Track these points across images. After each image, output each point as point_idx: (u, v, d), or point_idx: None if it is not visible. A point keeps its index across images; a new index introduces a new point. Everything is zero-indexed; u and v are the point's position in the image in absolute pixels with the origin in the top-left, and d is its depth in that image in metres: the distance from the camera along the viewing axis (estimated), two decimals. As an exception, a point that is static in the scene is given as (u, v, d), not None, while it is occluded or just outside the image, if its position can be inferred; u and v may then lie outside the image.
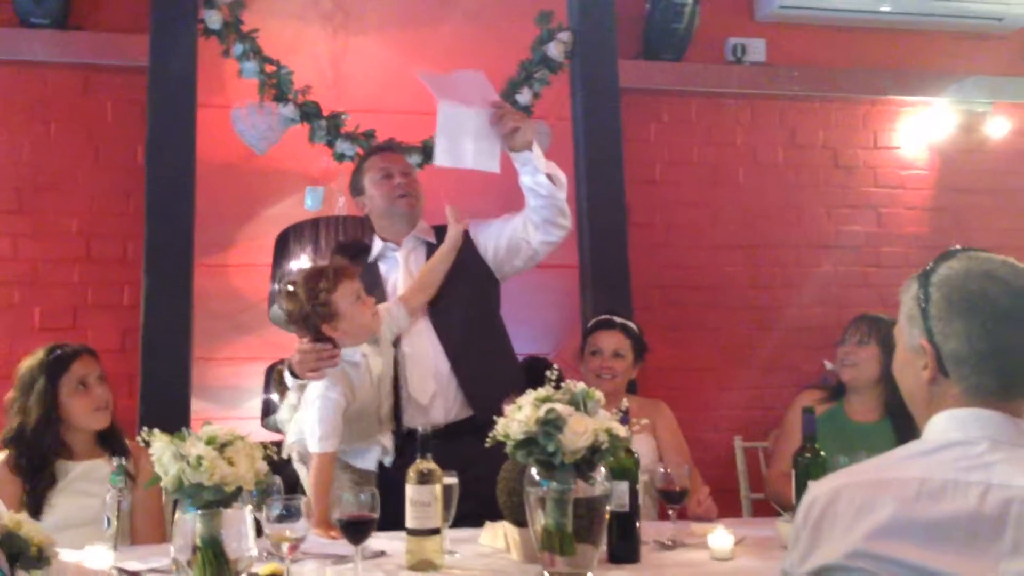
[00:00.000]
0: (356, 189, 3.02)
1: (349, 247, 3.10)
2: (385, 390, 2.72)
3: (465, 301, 2.88)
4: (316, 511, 2.37)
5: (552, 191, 2.81)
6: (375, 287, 2.85)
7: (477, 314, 2.91)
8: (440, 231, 2.96)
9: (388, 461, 2.71)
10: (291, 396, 2.74)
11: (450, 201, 2.94)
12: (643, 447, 2.89)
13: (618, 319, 3.28)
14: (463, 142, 2.78)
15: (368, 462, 2.70)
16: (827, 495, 1.33)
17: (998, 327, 1.34)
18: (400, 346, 2.79)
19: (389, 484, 2.40)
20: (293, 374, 2.63)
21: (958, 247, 1.43)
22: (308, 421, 2.55)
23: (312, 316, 2.52)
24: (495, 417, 2.01)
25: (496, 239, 2.95)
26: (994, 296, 1.35)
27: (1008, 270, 1.37)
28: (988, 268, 1.37)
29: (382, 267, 2.96)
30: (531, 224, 2.89)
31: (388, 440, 2.72)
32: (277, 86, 3.71)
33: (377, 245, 2.99)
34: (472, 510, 2.35)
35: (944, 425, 1.35)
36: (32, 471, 2.63)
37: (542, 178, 2.80)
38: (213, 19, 3.69)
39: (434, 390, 2.78)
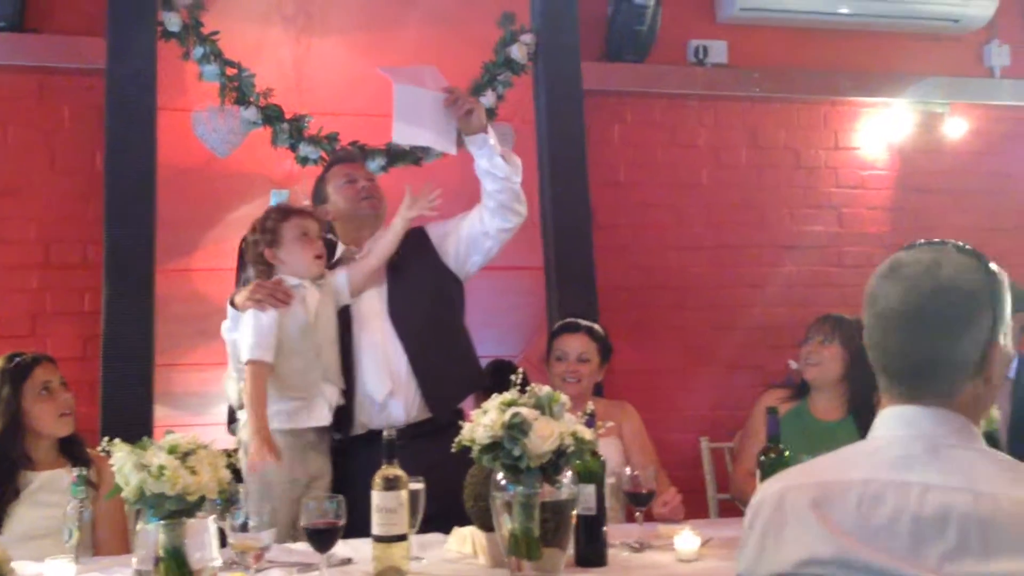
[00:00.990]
0: (319, 197, 3.06)
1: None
2: (327, 337, 2.77)
3: (426, 302, 2.92)
4: (253, 424, 2.50)
5: (508, 173, 2.88)
6: None
7: (438, 315, 2.94)
8: (407, 235, 2.97)
9: (327, 418, 2.72)
10: (231, 369, 2.79)
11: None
12: (609, 450, 2.89)
13: (583, 322, 3.28)
14: (420, 121, 2.88)
15: (310, 419, 2.70)
16: (773, 497, 1.31)
17: (879, 329, 1.33)
18: (353, 316, 2.86)
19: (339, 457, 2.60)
20: (234, 306, 2.70)
21: (924, 240, 1.38)
22: (242, 335, 2.65)
23: (260, 241, 2.75)
24: (456, 419, 2.01)
25: (455, 236, 3.00)
26: (880, 295, 1.33)
27: (923, 268, 1.31)
28: (901, 263, 1.33)
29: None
30: (487, 212, 2.94)
31: (333, 393, 2.76)
32: (238, 89, 3.67)
33: (339, 249, 3.00)
34: (436, 512, 2.34)
35: (885, 422, 1.33)
36: None
37: (498, 160, 2.87)
38: (172, 21, 3.65)
39: (390, 388, 2.81)
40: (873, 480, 1.25)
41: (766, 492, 1.33)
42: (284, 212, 2.81)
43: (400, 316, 2.88)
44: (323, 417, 2.73)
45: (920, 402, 1.30)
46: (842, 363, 3.17)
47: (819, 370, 3.22)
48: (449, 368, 2.91)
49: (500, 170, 2.87)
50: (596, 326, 3.29)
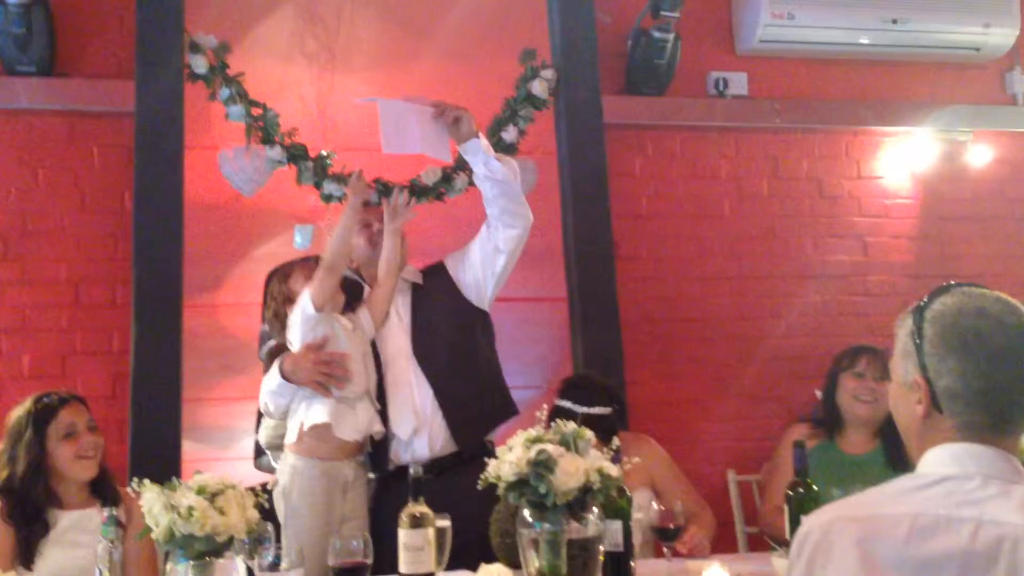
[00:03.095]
0: None
1: (346, 283, 3.15)
2: (364, 351, 2.86)
3: (449, 335, 2.96)
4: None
5: (506, 175, 2.91)
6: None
7: (462, 347, 2.97)
8: (427, 271, 3.05)
9: (360, 433, 2.77)
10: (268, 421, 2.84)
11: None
12: (643, 499, 2.83)
13: (579, 408, 2.95)
14: (407, 131, 2.93)
15: (346, 428, 2.74)
16: (820, 529, 1.32)
17: (991, 366, 1.34)
18: (380, 358, 2.93)
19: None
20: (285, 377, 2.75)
21: (952, 282, 1.44)
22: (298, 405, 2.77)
23: (280, 308, 2.87)
24: (482, 451, 2.02)
25: (469, 262, 3.04)
26: (987, 334, 1.36)
27: (1001, 307, 1.38)
28: (981, 305, 1.38)
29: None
30: (493, 222, 2.98)
31: (372, 413, 2.82)
32: (264, 129, 3.72)
33: (366, 291, 3.05)
34: (462, 546, 2.35)
35: (938, 459, 1.35)
36: (24, 520, 2.61)
37: (494, 163, 2.90)
38: (199, 64, 3.71)
39: (414, 426, 2.84)
40: (924, 514, 1.26)
41: (813, 523, 1.35)
42: (285, 273, 2.93)
43: (424, 352, 2.92)
44: (359, 428, 2.76)
45: (991, 440, 1.34)
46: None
47: (875, 408, 3.16)
48: (475, 401, 2.93)
49: (497, 172, 2.90)
50: (595, 410, 2.96)
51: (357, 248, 3.06)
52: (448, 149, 3.00)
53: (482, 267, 3.01)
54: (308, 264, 2.92)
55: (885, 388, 3.14)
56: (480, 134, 2.94)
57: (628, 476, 2.85)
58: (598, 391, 3.03)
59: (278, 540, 2.11)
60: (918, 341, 1.39)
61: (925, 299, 1.43)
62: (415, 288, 3.03)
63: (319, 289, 2.74)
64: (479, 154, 2.91)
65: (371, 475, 2.88)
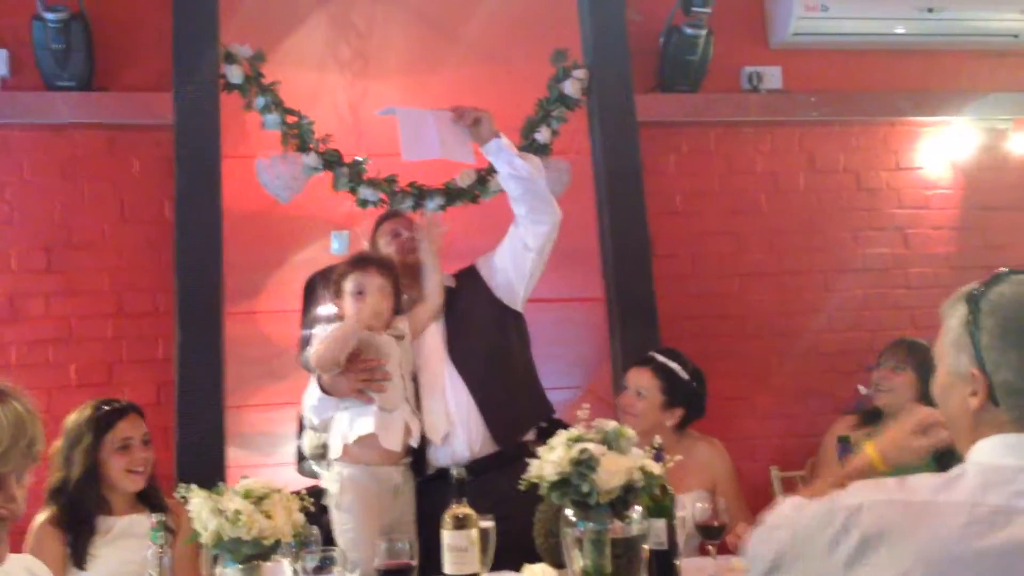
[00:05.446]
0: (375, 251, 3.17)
1: None
2: (402, 359, 2.85)
3: (484, 337, 2.97)
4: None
5: (529, 172, 2.90)
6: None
7: (497, 349, 2.98)
8: (460, 275, 3.07)
9: (399, 442, 2.77)
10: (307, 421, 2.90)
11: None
12: (693, 499, 2.81)
13: (659, 357, 3.12)
14: (427, 137, 2.92)
15: (396, 439, 2.76)
16: (873, 510, 1.27)
17: None
18: (416, 363, 2.93)
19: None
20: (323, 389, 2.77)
21: (1006, 270, 1.38)
22: (337, 422, 2.80)
23: (330, 291, 2.89)
24: (523, 452, 2.01)
25: (499, 263, 3.05)
26: None
27: None
28: None
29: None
30: (520, 220, 2.97)
31: (414, 421, 2.82)
32: (299, 136, 3.75)
33: (405, 298, 3.06)
34: (506, 546, 2.35)
35: (995, 449, 1.31)
36: (75, 525, 2.67)
37: (518, 161, 2.89)
38: (234, 74, 3.75)
39: (446, 430, 2.85)
40: (981, 504, 1.23)
41: (865, 499, 1.30)
42: (348, 266, 2.89)
43: (460, 355, 2.93)
44: (402, 436, 2.78)
45: None
46: (915, 390, 3.10)
47: (891, 397, 3.16)
48: (513, 401, 2.94)
49: (521, 170, 2.89)
50: (671, 364, 3.09)
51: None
52: (470, 151, 3.00)
53: (513, 267, 3.02)
54: (367, 270, 2.91)
55: (903, 378, 3.12)
56: (501, 134, 2.94)
57: (689, 475, 2.85)
58: (680, 358, 3.13)
59: (323, 544, 2.13)
60: (975, 332, 1.34)
61: (979, 287, 1.37)
62: (448, 291, 3.04)
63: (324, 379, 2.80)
64: (502, 153, 2.90)
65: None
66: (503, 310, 3.04)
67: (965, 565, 1.19)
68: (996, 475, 1.27)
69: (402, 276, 3.06)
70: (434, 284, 2.99)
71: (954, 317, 1.39)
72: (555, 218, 2.98)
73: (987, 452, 1.32)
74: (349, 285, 2.83)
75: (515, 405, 2.95)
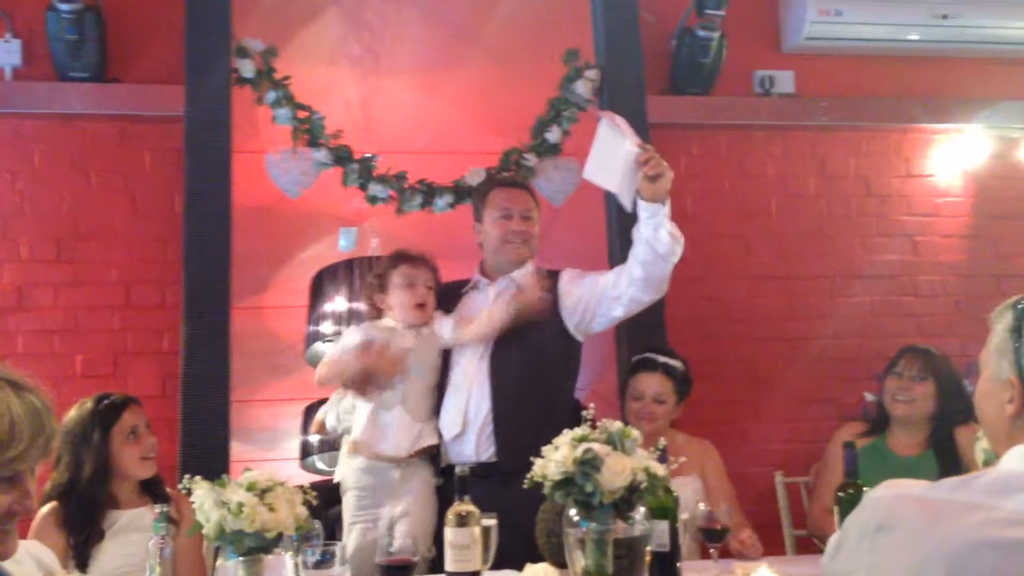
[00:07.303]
0: (477, 217, 3.08)
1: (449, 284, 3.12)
2: (416, 381, 2.83)
3: (526, 350, 2.85)
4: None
5: (668, 250, 2.73)
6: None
7: (537, 366, 2.87)
8: (547, 274, 2.96)
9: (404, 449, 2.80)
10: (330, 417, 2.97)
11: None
12: (689, 489, 2.85)
13: (661, 358, 3.18)
14: (612, 166, 2.75)
15: (395, 447, 2.79)
16: (892, 501, 1.26)
17: None
18: (449, 364, 2.89)
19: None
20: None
21: None
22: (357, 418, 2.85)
23: (372, 285, 2.92)
24: (526, 467, 1.99)
25: (581, 292, 2.91)
26: None
27: None
28: None
29: (473, 297, 3.01)
30: (627, 278, 2.81)
31: (422, 430, 2.83)
32: (310, 131, 3.75)
33: (475, 276, 3.04)
34: (508, 548, 2.35)
35: (1022, 456, 1.29)
36: (82, 523, 2.64)
37: (663, 234, 2.71)
38: (246, 68, 3.75)
39: (459, 430, 2.82)
40: (997, 508, 1.20)
41: (887, 492, 1.29)
42: (395, 259, 2.89)
43: (498, 362, 2.86)
44: (402, 445, 2.79)
45: None
46: (935, 401, 3.08)
47: (912, 407, 3.12)
48: (530, 418, 2.76)
49: (662, 245, 2.71)
50: (674, 362, 3.18)
51: (489, 232, 2.99)
52: (632, 199, 2.77)
53: (597, 304, 2.89)
54: (416, 263, 2.92)
55: (924, 389, 3.10)
56: (668, 199, 2.73)
57: (682, 470, 2.87)
58: (673, 354, 3.23)
59: (326, 538, 2.13)
60: (1016, 341, 1.33)
61: None
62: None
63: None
64: (657, 218, 2.71)
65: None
66: (561, 332, 2.92)
67: (990, 547, 1.15)
68: (1016, 480, 1.25)
69: (491, 258, 3.01)
70: (488, 331, 2.84)
71: (1000, 323, 1.39)
72: (659, 296, 2.86)
73: (1016, 458, 1.31)
74: (398, 278, 2.85)
75: (528, 429, 2.72)
